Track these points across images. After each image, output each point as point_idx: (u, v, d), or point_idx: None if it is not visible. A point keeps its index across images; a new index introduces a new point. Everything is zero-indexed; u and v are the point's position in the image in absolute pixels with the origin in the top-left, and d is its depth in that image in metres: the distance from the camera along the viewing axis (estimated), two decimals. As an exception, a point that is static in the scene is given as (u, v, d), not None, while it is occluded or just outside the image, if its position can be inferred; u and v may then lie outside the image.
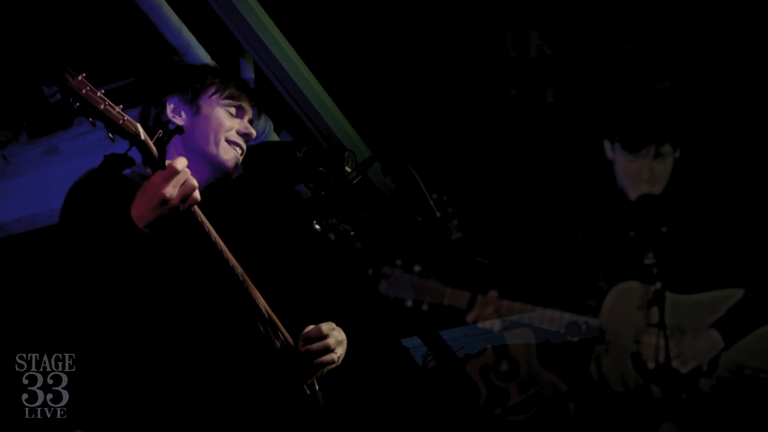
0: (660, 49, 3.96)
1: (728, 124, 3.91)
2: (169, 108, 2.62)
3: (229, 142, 2.60)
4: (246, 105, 2.69)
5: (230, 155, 2.60)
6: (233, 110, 2.65)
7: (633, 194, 3.31)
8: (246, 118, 2.69)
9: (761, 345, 3.23)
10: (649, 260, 3.15)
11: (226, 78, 2.70)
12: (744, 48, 3.94)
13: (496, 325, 3.43)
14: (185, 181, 2.17)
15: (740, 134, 3.90)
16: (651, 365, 3.20)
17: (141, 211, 2.17)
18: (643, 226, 3.24)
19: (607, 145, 3.40)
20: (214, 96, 2.64)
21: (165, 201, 2.15)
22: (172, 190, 2.15)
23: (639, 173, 3.30)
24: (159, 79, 2.70)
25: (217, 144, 2.58)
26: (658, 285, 3.10)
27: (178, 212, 2.18)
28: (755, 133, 3.89)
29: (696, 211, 3.35)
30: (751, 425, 3.20)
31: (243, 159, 2.66)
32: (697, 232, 3.32)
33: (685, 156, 3.32)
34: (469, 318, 3.44)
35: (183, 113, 2.62)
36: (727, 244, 3.31)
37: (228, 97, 2.65)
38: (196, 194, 2.21)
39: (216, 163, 2.59)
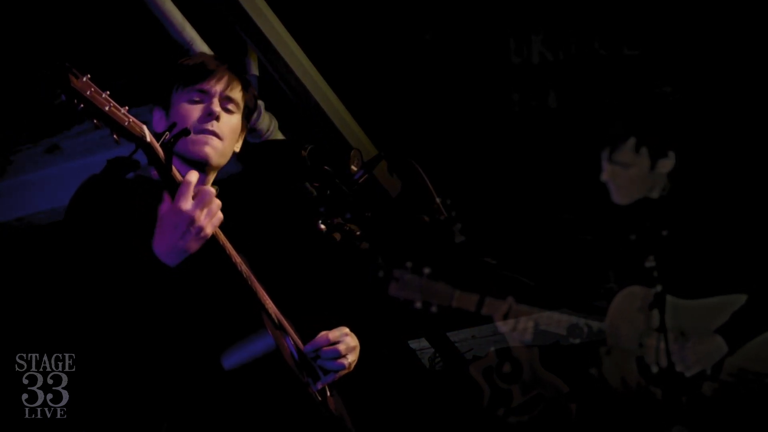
0: (660, 54, 3.97)
1: (729, 128, 3.92)
2: (155, 119, 2.55)
3: (196, 131, 2.46)
4: (209, 85, 2.52)
5: (199, 144, 2.47)
6: (195, 96, 2.51)
7: (628, 202, 3.32)
8: (215, 98, 2.53)
9: (765, 350, 3.23)
10: (650, 263, 3.15)
11: (185, 65, 2.57)
12: (742, 50, 3.94)
13: (527, 334, 3.43)
14: (211, 200, 2.13)
15: (741, 138, 3.91)
16: (654, 369, 3.19)
17: (170, 240, 2.12)
18: (643, 230, 3.24)
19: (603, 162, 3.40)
20: (179, 89, 2.53)
21: (193, 222, 2.10)
22: (199, 212, 2.10)
23: (631, 179, 3.30)
24: (147, 89, 2.64)
25: (185, 140, 2.41)
26: (659, 288, 3.10)
27: (207, 234, 2.14)
28: (756, 137, 3.90)
29: (698, 216, 3.34)
30: (758, 429, 3.20)
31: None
32: (699, 237, 3.32)
33: (687, 160, 3.32)
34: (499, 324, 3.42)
35: (162, 119, 2.54)
36: (730, 248, 3.30)
37: (187, 84, 2.52)
38: (220, 214, 2.16)
39: (192, 158, 2.48)
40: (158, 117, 2.55)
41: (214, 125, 2.48)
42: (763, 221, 3.35)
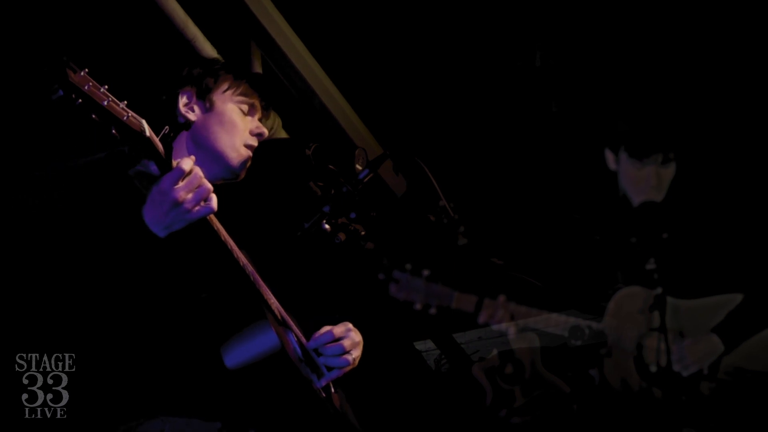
0: (661, 56, 3.98)
1: (727, 130, 3.93)
2: (182, 101, 2.54)
3: (243, 143, 2.54)
4: (257, 103, 2.62)
5: (243, 158, 2.54)
6: (245, 108, 2.59)
7: (638, 201, 3.32)
8: (257, 116, 2.62)
9: (761, 349, 3.23)
10: (651, 265, 3.15)
11: (239, 74, 2.63)
12: (741, 54, 3.96)
13: (511, 328, 3.42)
14: (198, 185, 2.11)
15: (739, 141, 3.92)
16: (653, 369, 3.20)
17: (154, 215, 2.11)
18: (644, 233, 3.25)
19: (609, 155, 3.40)
20: (228, 92, 2.57)
21: (177, 204, 2.09)
22: (184, 195, 2.09)
23: (646, 180, 3.30)
24: (172, 71, 2.63)
25: (232, 146, 2.51)
26: (659, 290, 3.10)
27: (192, 217, 2.12)
28: (754, 139, 3.91)
29: (696, 217, 3.35)
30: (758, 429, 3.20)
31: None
32: (697, 238, 3.33)
33: (685, 162, 3.33)
34: (481, 320, 3.42)
35: (196, 108, 2.55)
36: (727, 249, 3.31)
37: (241, 94, 2.58)
38: (213, 202, 2.14)
39: (227, 165, 2.53)
40: (189, 101, 2.56)
41: (256, 143, 2.57)
42: (758, 221, 3.35)
